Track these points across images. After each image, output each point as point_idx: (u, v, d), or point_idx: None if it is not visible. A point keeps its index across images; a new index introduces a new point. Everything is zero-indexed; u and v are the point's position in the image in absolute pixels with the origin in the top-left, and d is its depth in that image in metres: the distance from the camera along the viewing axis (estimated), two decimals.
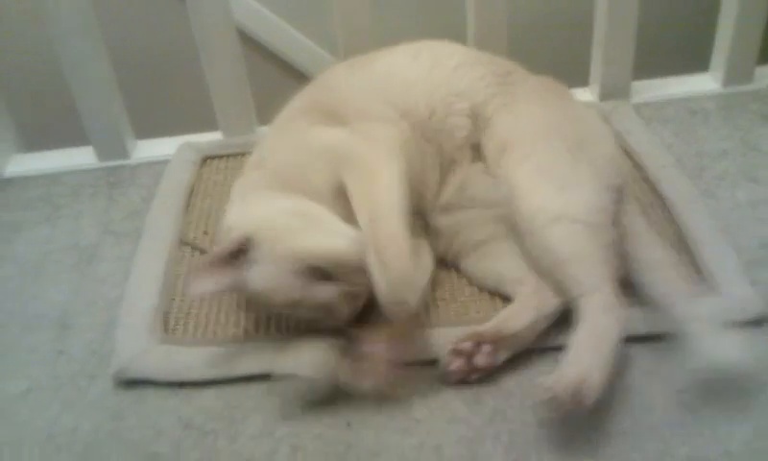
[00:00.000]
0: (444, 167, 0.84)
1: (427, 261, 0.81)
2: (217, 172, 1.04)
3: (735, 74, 1.10)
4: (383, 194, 0.72)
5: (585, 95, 1.13)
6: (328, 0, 1.05)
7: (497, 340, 0.70)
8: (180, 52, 1.25)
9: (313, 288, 0.69)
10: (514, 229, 0.77)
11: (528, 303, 0.73)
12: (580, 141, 0.80)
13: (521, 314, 0.72)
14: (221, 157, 1.06)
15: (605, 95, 1.11)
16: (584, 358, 0.66)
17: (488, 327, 0.71)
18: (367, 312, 0.72)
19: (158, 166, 1.06)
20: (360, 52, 1.02)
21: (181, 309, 0.80)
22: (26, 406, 0.73)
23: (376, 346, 0.68)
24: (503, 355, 0.71)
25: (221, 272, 0.69)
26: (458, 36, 0.98)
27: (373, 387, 0.67)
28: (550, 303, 0.73)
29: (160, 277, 0.84)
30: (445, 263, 0.83)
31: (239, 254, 0.70)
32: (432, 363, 0.71)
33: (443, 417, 0.68)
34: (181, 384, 0.72)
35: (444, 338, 0.72)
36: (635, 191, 0.87)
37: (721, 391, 0.68)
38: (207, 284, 0.69)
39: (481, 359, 0.70)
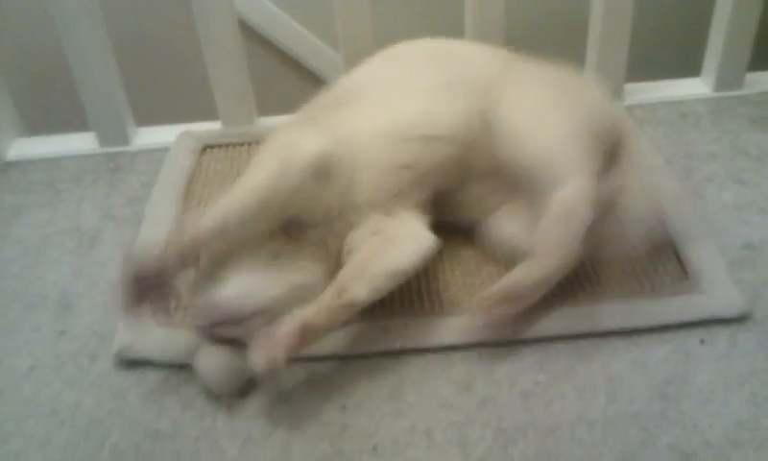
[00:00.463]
0: None
1: (403, 251, 0.75)
2: (216, 160, 1.05)
3: (726, 79, 1.13)
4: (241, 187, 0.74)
5: None
6: None
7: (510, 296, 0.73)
8: (182, 40, 1.27)
9: None
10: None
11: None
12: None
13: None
14: (220, 146, 1.08)
15: None
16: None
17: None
18: None
19: (159, 153, 1.07)
20: (359, 46, 1.05)
21: (180, 292, 0.82)
22: (29, 383, 0.74)
23: (284, 327, 0.67)
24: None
25: None
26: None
27: (257, 364, 0.66)
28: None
29: None
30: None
31: None
32: (424, 351, 0.74)
33: (434, 402, 0.70)
34: (182, 366, 0.73)
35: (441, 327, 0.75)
36: None
37: (702, 384, 0.71)
38: None
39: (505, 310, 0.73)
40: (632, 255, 0.82)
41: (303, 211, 0.75)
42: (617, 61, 1.11)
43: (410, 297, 0.80)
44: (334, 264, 0.76)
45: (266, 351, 0.65)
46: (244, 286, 0.70)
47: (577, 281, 0.80)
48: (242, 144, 1.08)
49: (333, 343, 0.74)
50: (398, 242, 0.75)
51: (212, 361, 0.70)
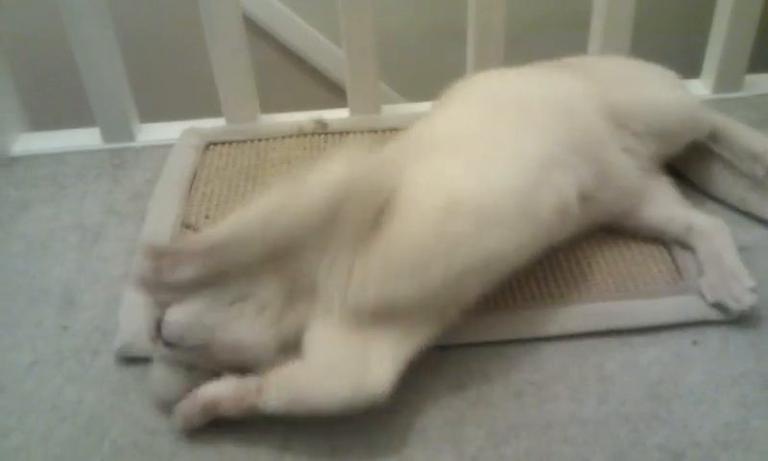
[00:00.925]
0: None
1: (335, 391, 0.65)
2: (220, 157, 1.06)
3: (726, 81, 1.13)
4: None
5: None
6: None
7: None
8: (187, 37, 1.28)
9: None
10: None
11: None
12: None
13: None
14: (224, 143, 1.09)
15: None
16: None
17: None
18: None
19: (162, 150, 1.08)
20: (362, 43, 1.05)
21: None
22: (31, 378, 0.76)
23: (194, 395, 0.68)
24: None
25: None
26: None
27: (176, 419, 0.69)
28: None
29: None
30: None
31: None
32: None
33: (428, 400, 0.71)
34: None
35: None
36: None
37: (693, 385, 0.72)
38: None
39: None
40: (627, 257, 0.84)
41: (299, 250, 0.68)
42: None
43: None
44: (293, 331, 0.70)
45: (178, 411, 0.68)
46: (197, 317, 0.67)
47: (573, 282, 0.81)
48: (245, 141, 1.09)
49: None
50: (338, 374, 0.66)
51: (158, 373, 0.71)
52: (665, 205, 0.86)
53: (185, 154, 1.06)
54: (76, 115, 1.14)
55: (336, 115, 1.14)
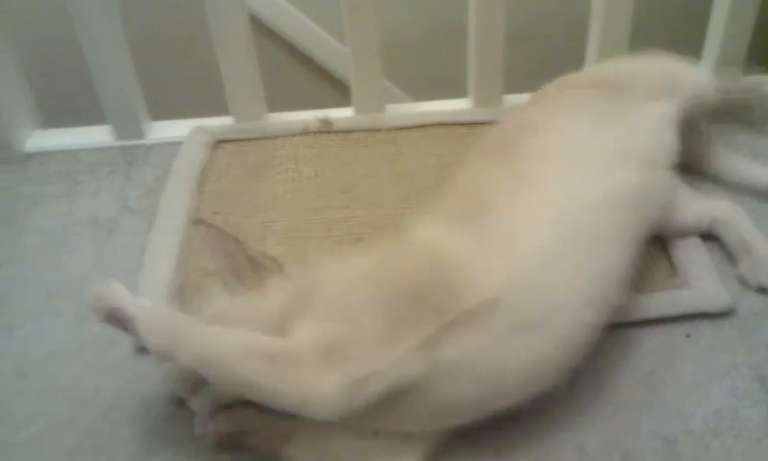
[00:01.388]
0: None
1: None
2: (228, 155, 1.09)
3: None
4: None
5: None
6: None
7: None
8: (194, 36, 1.31)
9: None
10: None
11: None
12: None
13: None
14: (231, 141, 1.12)
15: None
16: None
17: None
18: None
19: (172, 147, 1.11)
20: (366, 41, 1.07)
21: (195, 284, 0.86)
22: (53, 366, 0.79)
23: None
24: None
25: None
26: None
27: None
28: None
29: (175, 252, 0.90)
30: None
31: None
32: None
33: None
34: None
35: None
36: None
37: (686, 375, 0.75)
38: None
39: None
40: None
41: None
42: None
43: None
44: None
45: (202, 425, 0.69)
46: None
47: None
48: (252, 139, 1.12)
49: None
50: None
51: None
52: (687, 204, 0.89)
53: (194, 151, 1.09)
54: (87, 113, 1.17)
55: (341, 114, 1.17)
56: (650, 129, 0.84)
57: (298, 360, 0.62)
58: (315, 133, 1.13)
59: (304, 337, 0.64)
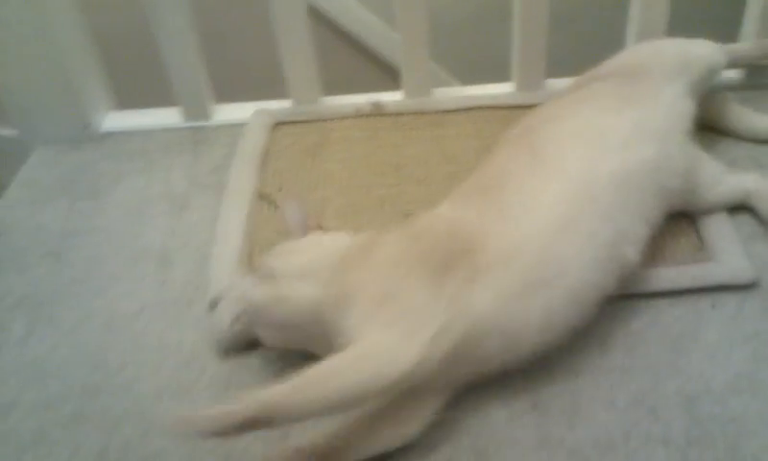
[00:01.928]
0: None
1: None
2: (287, 136, 1.18)
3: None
4: None
5: None
6: None
7: None
8: (254, 26, 1.39)
9: None
10: None
11: None
12: None
13: None
14: (290, 122, 1.21)
15: None
16: None
17: None
18: None
19: (236, 128, 1.20)
20: (416, 26, 1.13)
21: (262, 252, 0.95)
22: (139, 323, 0.90)
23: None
24: None
25: None
26: None
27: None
28: None
29: (243, 223, 1.00)
30: None
31: None
32: None
33: None
34: None
35: None
36: None
37: (710, 341, 0.82)
38: None
39: None
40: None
41: None
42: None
43: None
44: None
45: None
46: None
47: None
48: (309, 122, 1.21)
49: None
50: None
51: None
52: (720, 180, 0.93)
53: (257, 132, 1.18)
54: (159, 97, 1.27)
55: (390, 98, 1.24)
56: (666, 106, 0.90)
57: (372, 350, 0.67)
58: (367, 115, 1.20)
59: (370, 338, 0.69)
